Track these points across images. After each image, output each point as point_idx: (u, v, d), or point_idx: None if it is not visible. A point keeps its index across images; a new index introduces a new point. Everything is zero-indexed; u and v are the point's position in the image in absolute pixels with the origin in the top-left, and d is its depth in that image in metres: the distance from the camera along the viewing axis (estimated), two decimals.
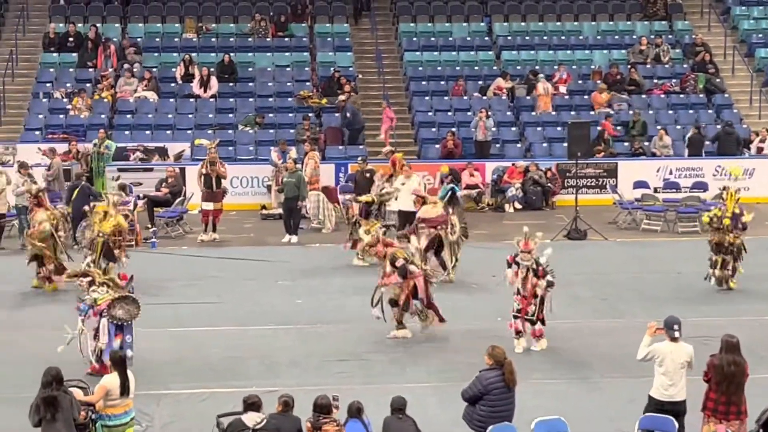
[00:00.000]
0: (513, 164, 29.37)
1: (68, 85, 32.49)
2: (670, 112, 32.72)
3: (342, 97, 31.58)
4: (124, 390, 12.09)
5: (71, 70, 33.27)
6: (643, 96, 33.34)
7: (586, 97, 33.14)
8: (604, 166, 30.04)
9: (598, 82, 33.19)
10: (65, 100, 31.75)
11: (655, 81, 33.93)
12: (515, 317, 16.90)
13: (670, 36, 35.80)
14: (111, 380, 12.07)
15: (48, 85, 32.62)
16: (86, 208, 20.82)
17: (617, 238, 25.57)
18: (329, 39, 35.26)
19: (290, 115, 31.96)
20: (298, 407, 11.98)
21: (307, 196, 25.67)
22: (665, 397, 12.67)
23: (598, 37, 35.75)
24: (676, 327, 12.75)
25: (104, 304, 15.78)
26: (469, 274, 21.71)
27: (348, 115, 30.94)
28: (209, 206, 24.96)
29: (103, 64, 32.96)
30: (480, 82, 33.60)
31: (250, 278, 21.73)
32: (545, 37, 35.73)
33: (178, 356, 16.94)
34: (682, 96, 33.37)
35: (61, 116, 31.34)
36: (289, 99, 32.65)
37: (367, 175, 25.81)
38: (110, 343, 15.55)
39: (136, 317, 15.88)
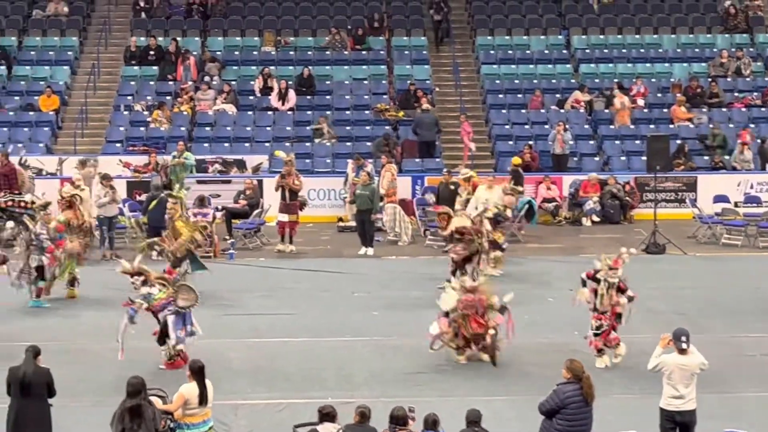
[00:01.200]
0: (588, 177, 29.13)
1: (149, 97, 32.91)
2: (752, 125, 32.29)
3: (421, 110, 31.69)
4: (203, 399, 12.18)
5: (152, 83, 33.71)
6: (724, 109, 32.96)
7: (665, 110, 32.84)
8: (683, 180, 29.74)
9: (678, 95, 32.88)
10: (146, 112, 32.16)
11: (736, 94, 33.54)
12: (595, 335, 16.73)
13: (751, 49, 35.38)
14: (190, 389, 12.16)
15: (129, 97, 33.07)
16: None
17: (696, 253, 25.28)
18: (406, 52, 35.34)
19: (367, 128, 32.07)
20: (374, 419, 11.98)
21: (380, 209, 25.72)
22: (673, 407, 12.76)
23: (678, 50, 35.45)
24: (684, 339, 12.85)
25: (162, 302, 16.30)
26: (546, 288, 21.61)
27: (424, 126, 30.95)
28: (284, 218, 25.13)
29: (182, 77, 33.33)
30: (557, 95, 33.47)
31: (326, 290, 21.81)
32: (624, 50, 35.50)
33: (256, 366, 17.04)
34: (763, 109, 32.95)
35: (142, 128, 31.75)
36: (366, 112, 32.77)
37: (452, 187, 25.77)
38: (180, 337, 16.26)
39: (197, 303, 16.56)
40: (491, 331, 16.62)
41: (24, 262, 20.40)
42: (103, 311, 19.92)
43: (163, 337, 16.57)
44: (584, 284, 16.86)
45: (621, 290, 16.64)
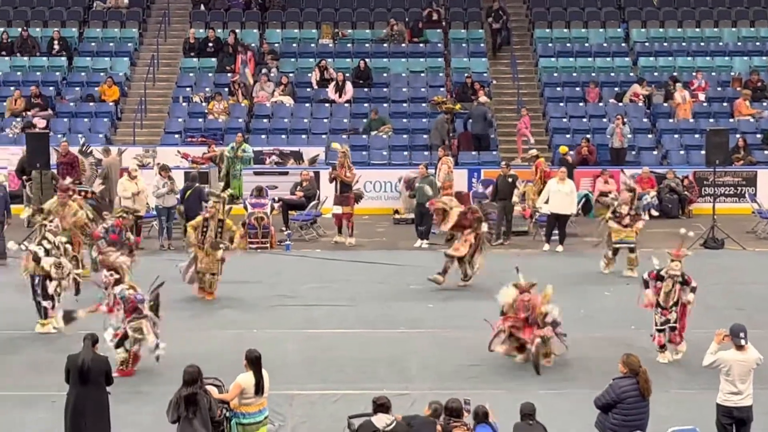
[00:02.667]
0: (641, 172, 28.79)
1: (207, 89, 33.10)
2: None
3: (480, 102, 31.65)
4: (259, 389, 12.24)
5: (210, 74, 33.90)
6: None
7: (725, 104, 32.52)
8: (742, 175, 29.45)
9: (738, 89, 32.53)
10: (204, 104, 32.36)
11: None
12: (659, 331, 16.59)
13: None
14: (246, 379, 12.23)
15: (187, 89, 33.28)
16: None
17: (755, 248, 25.03)
18: (464, 45, 35.27)
19: (423, 120, 32.05)
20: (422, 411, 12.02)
21: None
22: (731, 403, 12.63)
23: (739, 44, 35.07)
24: (742, 335, 12.71)
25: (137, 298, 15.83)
26: (603, 282, 21.50)
27: (473, 118, 30.92)
28: (338, 210, 25.21)
29: (240, 70, 33.49)
30: (616, 89, 33.24)
31: (381, 282, 21.84)
32: (684, 44, 35.18)
33: (311, 357, 17.11)
34: None
35: (200, 120, 31.95)
36: (423, 104, 32.74)
37: (509, 180, 25.71)
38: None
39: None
40: (537, 341, 16.29)
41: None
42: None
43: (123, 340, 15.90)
44: (647, 285, 16.68)
45: (686, 283, 16.45)
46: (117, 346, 15.67)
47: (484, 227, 21.28)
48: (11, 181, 27.18)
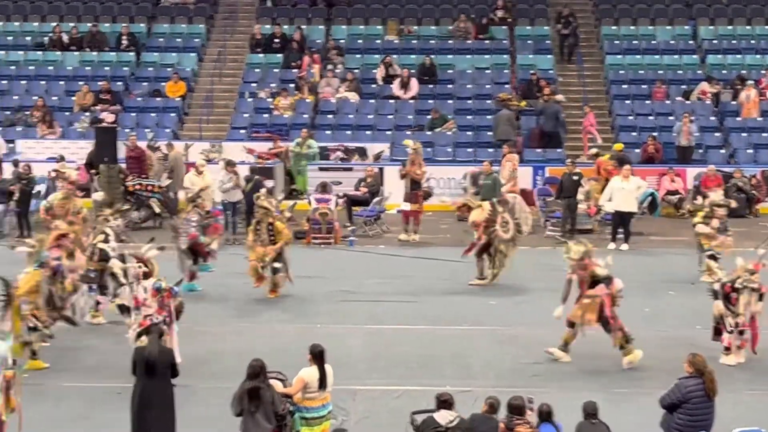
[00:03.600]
0: (707, 170, 28.45)
1: (273, 85, 33.27)
2: None
3: (543, 99, 31.50)
4: (323, 383, 12.28)
5: (276, 70, 34.07)
6: None
7: None
8: None
9: None
10: (269, 99, 32.53)
11: None
12: (729, 333, 16.38)
13: None
14: (310, 373, 12.27)
15: (253, 85, 33.48)
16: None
17: None
18: (529, 41, 35.13)
19: (488, 117, 31.97)
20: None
21: None
22: None
23: None
24: None
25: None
26: (668, 281, 21.33)
27: (545, 116, 30.80)
28: (406, 207, 25.23)
29: (306, 65, 33.62)
30: (683, 87, 32.95)
31: (444, 278, 21.83)
32: (753, 41, 34.79)
33: (374, 353, 17.14)
34: None
35: (266, 115, 32.13)
36: (488, 101, 32.68)
37: (574, 178, 25.59)
38: None
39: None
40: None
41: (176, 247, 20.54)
42: (224, 294, 20.26)
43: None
44: (716, 297, 16.43)
45: (761, 295, 16.16)
46: (139, 336, 15.09)
47: (503, 235, 21.14)
48: (80, 175, 27.49)
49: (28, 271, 16.23)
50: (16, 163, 26.75)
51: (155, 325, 13.33)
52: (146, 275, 16.07)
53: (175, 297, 15.61)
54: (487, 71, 34.00)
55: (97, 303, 18.12)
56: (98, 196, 24.55)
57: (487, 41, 35.02)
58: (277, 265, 19.92)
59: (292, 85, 33.05)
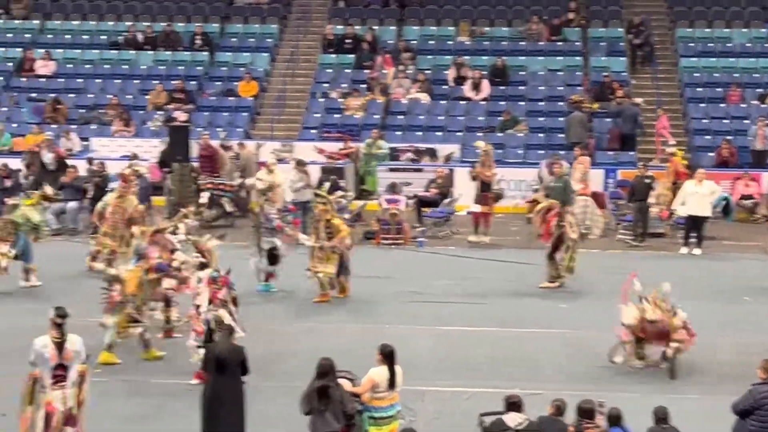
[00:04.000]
0: None
1: (344, 85, 33.36)
2: None
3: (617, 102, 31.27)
4: (392, 383, 12.28)
5: (348, 71, 34.15)
6: None
7: None
8: None
9: None
10: (341, 100, 32.62)
11: None
12: None
13: None
14: (379, 373, 12.27)
15: (325, 85, 33.59)
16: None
17: None
18: (602, 43, 34.89)
19: (560, 119, 31.80)
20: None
21: (573, 202, 25.44)
22: None
23: None
24: None
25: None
26: (741, 287, 21.08)
27: (623, 118, 30.58)
28: (476, 208, 25.17)
29: (377, 65, 33.68)
30: (759, 90, 32.53)
31: (514, 280, 21.75)
32: None
33: (442, 354, 17.13)
34: None
35: (337, 116, 32.22)
36: (560, 103, 32.50)
37: (646, 181, 25.36)
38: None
39: None
40: (674, 345, 15.95)
41: (256, 245, 20.67)
42: (292, 293, 20.33)
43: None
44: None
45: None
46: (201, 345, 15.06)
47: (571, 234, 20.98)
48: (153, 173, 27.78)
49: (130, 268, 16.53)
50: (90, 161, 27.09)
51: (227, 324, 13.39)
52: (203, 266, 16.08)
53: (231, 288, 15.59)
54: (560, 73, 33.82)
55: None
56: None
57: (559, 43, 34.84)
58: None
59: (364, 86, 33.10)
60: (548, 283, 21.11)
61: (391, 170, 28.81)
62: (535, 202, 21.95)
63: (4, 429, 13.15)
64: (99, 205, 21.53)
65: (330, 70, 34.25)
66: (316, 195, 20.68)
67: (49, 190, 21.99)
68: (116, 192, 21.32)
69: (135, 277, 16.36)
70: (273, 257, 20.40)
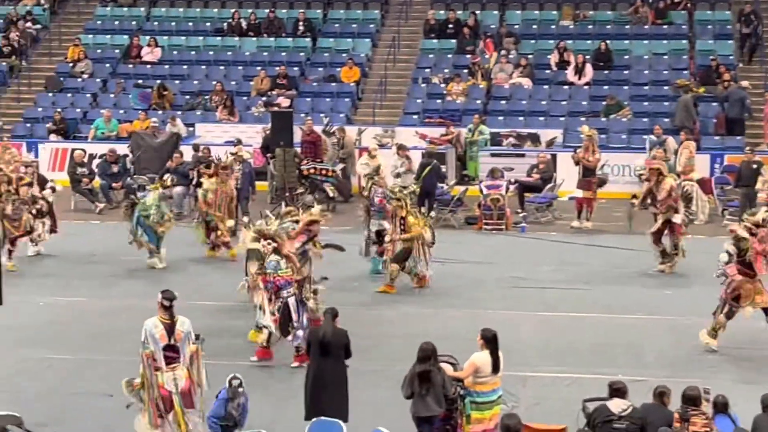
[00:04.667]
0: None
1: (446, 70, 33.29)
2: None
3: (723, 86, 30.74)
4: (495, 368, 12.25)
5: (449, 56, 34.07)
6: None
7: None
8: None
9: None
10: (442, 85, 32.56)
11: None
12: None
13: None
14: (482, 358, 12.25)
15: (427, 70, 33.54)
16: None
17: None
18: (709, 27, 34.31)
19: (665, 103, 31.35)
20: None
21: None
22: None
23: None
24: None
25: (285, 279, 15.59)
26: None
27: (730, 102, 30.07)
28: (579, 193, 24.99)
29: (479, 50, 33.54)
30: None
31: (618, 266, 21.56)
32: None
33: (545, 340, 17.06)
34: None
35: (438, 101, 32.17)
36: (665, 87, 32.05)
37: (754, 166, 24.92)
38: (302, 322, 15.56)
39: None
40: None
41: (365, 228, 20.75)
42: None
43: (285, 324, 15.59)
44: None
45: None
46: (284, 333, 15.57)
47: (677, 217, 20.66)
48: (256, 158, 28.06)
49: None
50: (196, 148, 27.41)
51: (330, 308, 13.47)
52: (276, 250, 16.00)
53: (287, 287, 15.65)
54: (665, 57, 33.33)
55: None
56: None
57: (665, 26, 34.32)
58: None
59: (466, 71, 32.99)
60: (660, 265, 20.84)
61: (493, 155, 28.69)
62: (658, 171, 21.35)
63: (111, 409, 13.41)
64: (200, 193, 21.81)
65: (432, 56, 34.20)
66: (392, 192, 20.39)
67: (167, 179, 22.46)
68: (217, 178, 21.65)
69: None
70: (381, 239, 20.39)
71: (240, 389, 12.32)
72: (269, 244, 15.92)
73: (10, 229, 20.90)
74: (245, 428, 12.52)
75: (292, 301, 15.55)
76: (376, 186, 21.01)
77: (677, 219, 20.78)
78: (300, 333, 15.43)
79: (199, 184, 23.23)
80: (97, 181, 27.52)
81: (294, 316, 15.51)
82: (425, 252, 19.76)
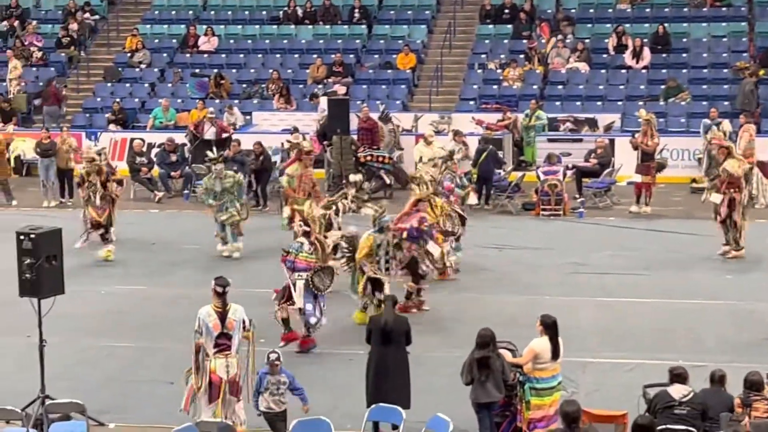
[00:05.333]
0: None
1: (502, 56, 33.16)
2: None
3: None
4: (555, 354, 12.21)
5: (505, 41, 33.93)
6: None
7: None
8: None
9: None
10: (499, 71, 32.44)
11: None
12: None
13: None
14: (541, 344, 12.21)
15: (483, 56, 33.43)
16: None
17: None
18: None
19: (725, 86, 31.03)
20: (726, 384, 11.72)
21: None
22: None
23: None
24: None
25: (306, 263, 15.75)
26: None
27: None
28: (638, 178, 24.81)
29: (536, 35, 33.37)
30: None
31: (677, 251, 21.39)
32: None
33: (604, 325, 16.98)
34: None
35: (495, 87, 32.05)
36: (725, 70, 31.71)
37: None
38: (310, 311, 15.64)
39: (327, 289, 15.88)
40: None
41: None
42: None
43: (280, 299, 15.91)
44: None
45: None
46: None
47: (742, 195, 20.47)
48: (313, 146, 28.05)
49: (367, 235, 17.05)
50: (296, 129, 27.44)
51: (390, 295, 13.52)
52: (306, 234, 16.16)
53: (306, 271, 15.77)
54: (723, 39, 32.97)
55: None
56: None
57: (723, 8, 33.95)
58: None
59: (522, 56, 32.85)
60: (724, 247, 20.64)
61: (550, 141, 28.53)
62: (726, 149, 21.18)
63: (171, 396, 13.53)
64: (284, 180, 21.76)
65: (488, 41, 34.08)
66: (412, 178, 19.87)
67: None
68: (300, 163, 21.62)
69: (365, 246, 16.87)
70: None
71: (277, 363, 12.35)
72: (301, 226, 16.28)
73: (94, 216, 20.95)
74: (308, 404, 12.57)
75: (300, 284, 15.67)
76: (448, 171, 20.83)
77: (738, 198, 20.55)
78: (312, 320, 15.67)
79: (257, 172, 23.19)
80: (156, 170, 27.74)
81: (297, 301, 15.67)
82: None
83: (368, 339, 13.14)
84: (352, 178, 20.01)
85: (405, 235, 17.06)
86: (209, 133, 27.85)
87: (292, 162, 22.03)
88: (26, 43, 35.23)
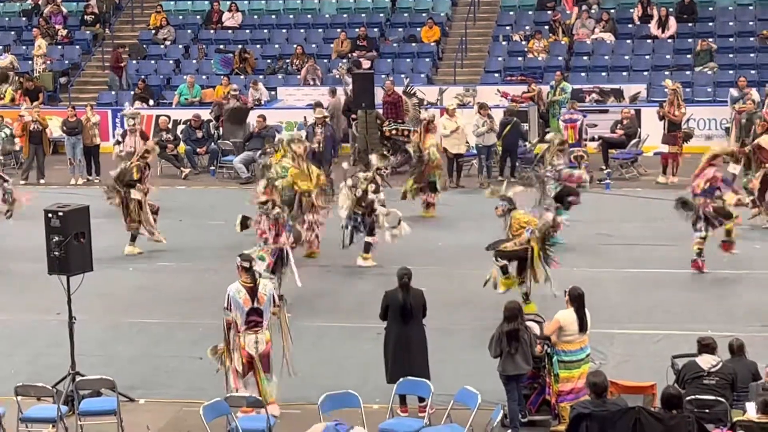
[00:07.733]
0: None
1: (527, 27, 33.01)
2: None
3: None
4: (582, 326, 12.20)
5: (530, 12, 33.77)
6: None
7: None
8: None
9: None
10: (523, 42, 32.31)
11: None
12: None
13: None
14: (566, 315, 12.21)
15: (507, 28, 33.28)
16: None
17: None
18: None
19: (751, 55, 30.81)
20: (755, 354, 11.71)
21: None
22: None
23: None
24: None
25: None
26: None
27: None
28: (664, 148, 24.69)
29: (560, 6, 33.19)
30: None
31: None
32: None
33: (633, 297, 16.95)
34: None
35: (519, 58, 31.92)
36: (751, 39, 31.47)
37: None
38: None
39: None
40: None
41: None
42: (479, 237, 20.33)
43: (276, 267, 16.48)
44: None
45: None
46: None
47: None
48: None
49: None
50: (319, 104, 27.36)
51: (405, 267, 13.41)
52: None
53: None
54: (750, 7, 32.71)
55: (368, 245, 18.63)
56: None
57: None
58: None
59: (547, 27, 32.68)
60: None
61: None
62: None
63: (201, 372, 13.60)
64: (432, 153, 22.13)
65: (512, 13, 33.92)
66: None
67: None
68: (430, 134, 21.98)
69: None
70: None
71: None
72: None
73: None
74: None
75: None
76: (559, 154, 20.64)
77: None
78: None
79: None
80: (182, 147, 27.82)
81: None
82: None
83: (383, 315, 13.00)
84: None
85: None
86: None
87: (426, 134, 22.46)
88: (51, 22, 35.32)
